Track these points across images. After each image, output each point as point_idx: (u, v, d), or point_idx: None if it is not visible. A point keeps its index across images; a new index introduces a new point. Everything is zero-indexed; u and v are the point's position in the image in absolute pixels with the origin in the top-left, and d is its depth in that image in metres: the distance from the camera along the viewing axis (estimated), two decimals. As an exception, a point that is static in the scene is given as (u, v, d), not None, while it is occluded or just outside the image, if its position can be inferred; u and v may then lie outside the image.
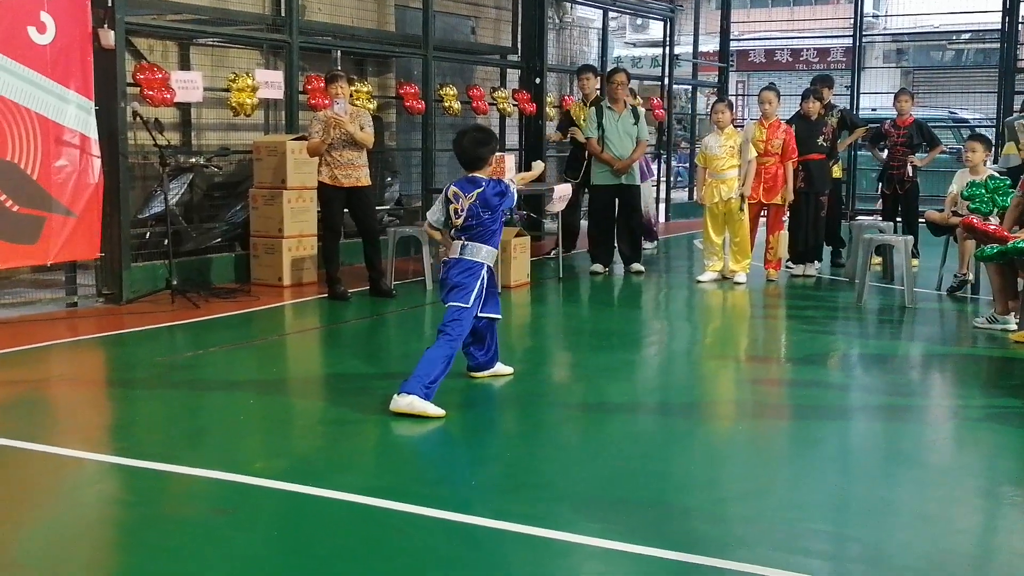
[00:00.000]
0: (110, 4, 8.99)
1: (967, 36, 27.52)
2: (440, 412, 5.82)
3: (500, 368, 6.80)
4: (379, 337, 8.76)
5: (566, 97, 15.65)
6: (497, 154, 6.47)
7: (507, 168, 9.98)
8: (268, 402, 6.38)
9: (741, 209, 10.80)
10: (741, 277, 10.89)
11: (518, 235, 10.57)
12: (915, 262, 11.24)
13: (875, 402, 6.63)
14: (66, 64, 8.73)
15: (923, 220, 11.24)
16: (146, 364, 7.34)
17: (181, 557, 4.03)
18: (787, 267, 11.54)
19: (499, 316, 6.54)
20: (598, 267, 11.66)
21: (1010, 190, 9.26)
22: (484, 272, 6.23)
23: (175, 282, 9.25)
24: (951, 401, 6.84)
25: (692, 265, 12.48)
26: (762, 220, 11.52)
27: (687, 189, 19.61)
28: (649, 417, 6.28)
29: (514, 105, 14.38)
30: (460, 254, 6.22)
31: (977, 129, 16.64)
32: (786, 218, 11.31)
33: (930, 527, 4.49)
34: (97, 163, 8.98)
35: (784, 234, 11.33)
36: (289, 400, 6.59)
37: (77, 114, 8.82)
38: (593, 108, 11.88)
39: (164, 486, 4.90)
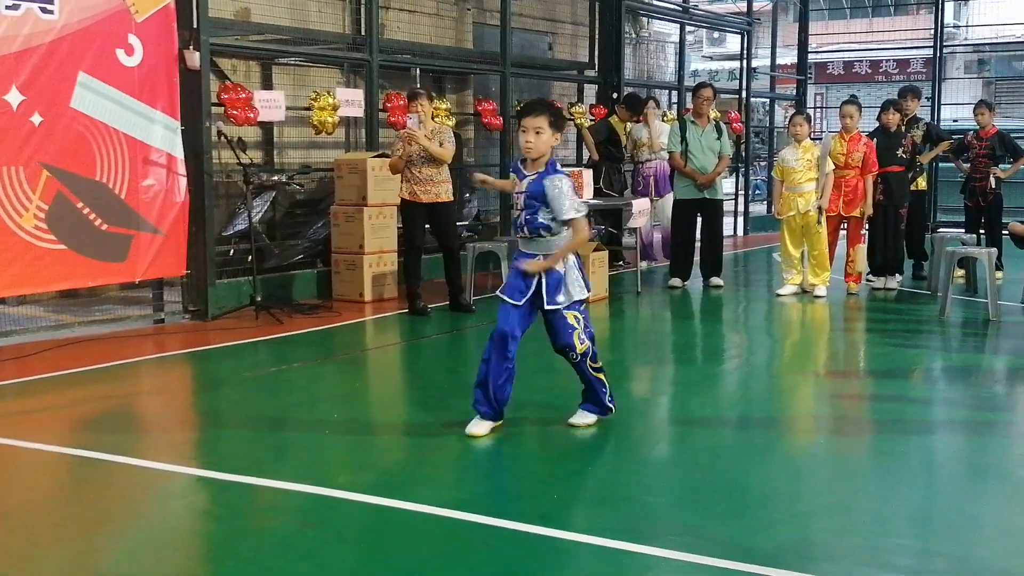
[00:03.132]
0: (196, 26, 9.18)
1: (1050, 45, 27.07)
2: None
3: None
4: (459, 352, 8.81)
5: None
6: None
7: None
8: (351, 416, 6.45)
9: (819, 222, 10.72)
10: (821, 291, 10.80)
11: (596, 249, 10.58)
12: (999, 274, 11.08)
13: (959, 416, 6.56)
14: (153, 85, 8.91)
15: (1007, 232, 11.07)
16: (232, 379, 7.49)
17: (270, 570, 4.11)
18: (868, 280, 11.43)
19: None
20: (676, 281, 11.62)
21: None
22: None
23: (259, 298, 9.41)
24: (1038, 415, 6.74)
25: (771, 279, 12.40)
26: (842, 233, 11.42)
27: (765, 202, 19.51)
28: (730, 431, 6.26)
29: (592, 120, 14.40)
30: None
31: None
32: (865, 231, 11.21)
33: (1016, 541, 4.43)
34: (183, 182, 9.15)
35: (863, 247, 11.22)
36: (371, 414, 6.68)
37: (164, 134, 9.00)
38: (677, 122, 11.81)
39: (251, 499, 4.98)
